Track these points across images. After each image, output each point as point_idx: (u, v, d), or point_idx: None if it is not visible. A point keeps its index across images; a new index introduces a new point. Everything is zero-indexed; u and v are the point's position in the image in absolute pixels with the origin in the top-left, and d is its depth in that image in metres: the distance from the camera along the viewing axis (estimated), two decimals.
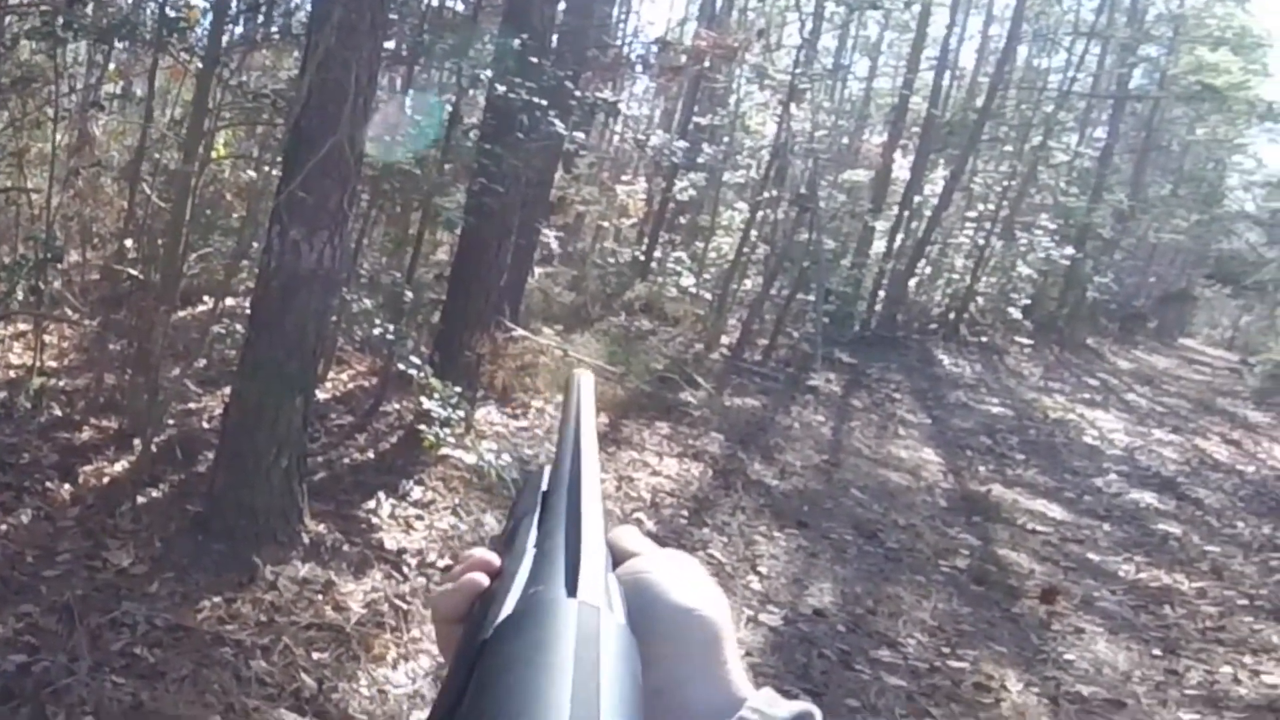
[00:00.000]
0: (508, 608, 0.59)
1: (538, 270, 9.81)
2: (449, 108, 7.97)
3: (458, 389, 6.67)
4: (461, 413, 6.60)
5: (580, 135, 9.18)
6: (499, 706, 0.53)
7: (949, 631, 7.04)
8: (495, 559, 0.69)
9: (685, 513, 7.89)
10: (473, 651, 0.57)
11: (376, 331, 6.74)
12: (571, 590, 0.59)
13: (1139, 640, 7.56)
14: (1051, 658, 6.96)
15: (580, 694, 0.52)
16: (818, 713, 0.63)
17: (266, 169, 6.84)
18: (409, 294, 7.36)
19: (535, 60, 7.41)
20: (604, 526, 0.69)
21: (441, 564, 5.78)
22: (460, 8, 9.65)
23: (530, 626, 0.56)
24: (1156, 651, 7.40)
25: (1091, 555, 9.58)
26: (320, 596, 5.18)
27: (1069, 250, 22.40)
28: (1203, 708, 6.53)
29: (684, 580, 0.68)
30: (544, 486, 0.75)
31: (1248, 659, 7.45)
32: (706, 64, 12.34)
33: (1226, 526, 11.65)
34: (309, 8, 6.73)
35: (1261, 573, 9.91)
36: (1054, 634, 7.39)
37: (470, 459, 6.49)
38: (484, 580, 0.67)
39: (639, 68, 10.77)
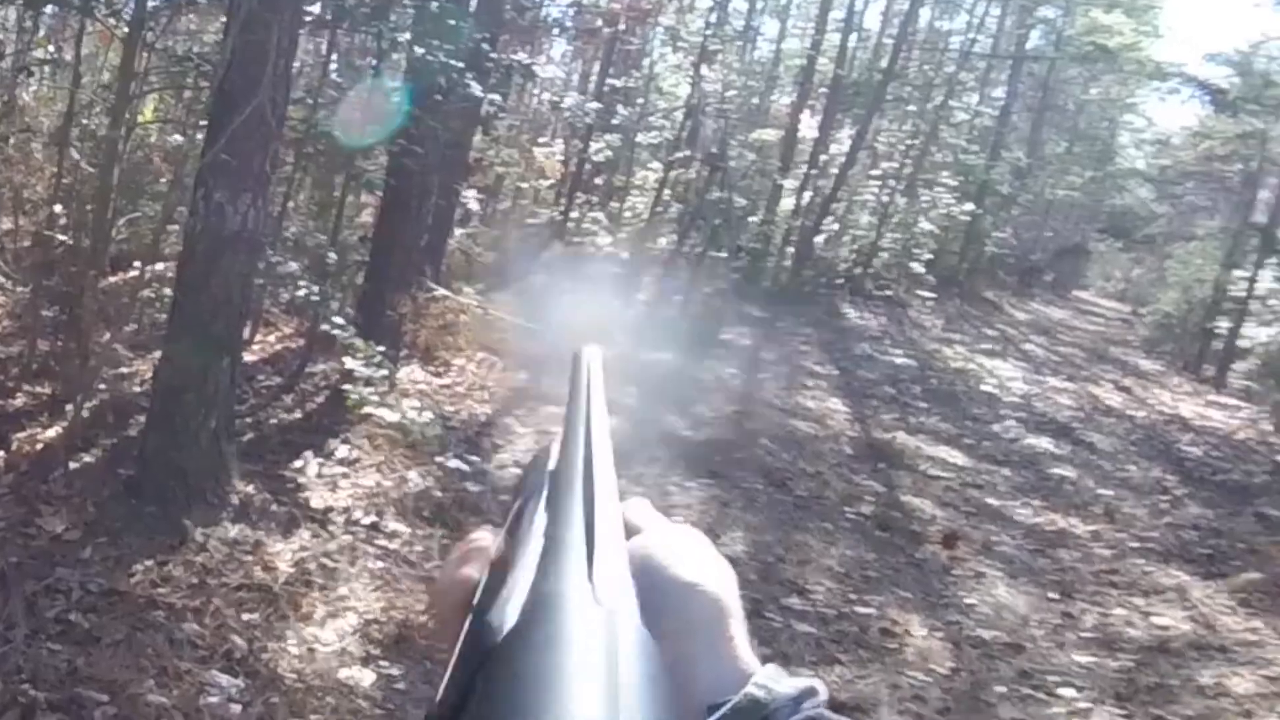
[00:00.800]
0: (516, 608, 0.54)
1: (458, 231, 9.77)
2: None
3: (380, 349, 6.65)
4: (384, 372, 6.59)
5: (497, 98, 9.13)
6: None
7: (855, 578, 7.18)
8: (504, 539, 0.67)
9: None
10: (478, 655, 0.53)
11: (301, 293, 6.72)
12: (591, 593, 0.54)
13: (1036, 584, 7.77)
14: (953, 602, 7.14)
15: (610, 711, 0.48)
16: (823, 688, 0.63)
17: (192, 133, 6.75)
18: (333, 256, 7.31)
19: (453, 23, 7.34)
20: (619, 510, 0.65)
21: (366, 521, 5.79)
22: None
23: (547, 640, 0.51)
24: (1053, 595, 7.61)
25: (991, 500, 9.79)
26: (249, 557, 5.19)
27: (969, 206, 22.60)
28: (1097, 650, 6.72)
29: (690, 556, 0.67)
30: (551, 465, 0.70)
31: (1139, 601, 7.69)
32: (621, 27, 12.33)
33: (1118, 470, 11.97)
34: None
35: (1152, 515, 10.19)
36: (955, 578, 7.58)
37: (393, 417, 6.49)
38: (485, 569, 0.64)
39: (556, 31, 10.75)
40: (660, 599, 0.61)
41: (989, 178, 24.16)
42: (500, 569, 0.61)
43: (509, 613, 0.53)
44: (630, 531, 0.67)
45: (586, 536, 0.58)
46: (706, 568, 0.67)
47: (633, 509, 0.71)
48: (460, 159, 8.69)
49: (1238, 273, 21.84)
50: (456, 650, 0.57)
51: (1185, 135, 28.63)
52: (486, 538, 0.68)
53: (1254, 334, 19.99)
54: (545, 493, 0.66)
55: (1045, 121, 30.80)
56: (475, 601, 0.61)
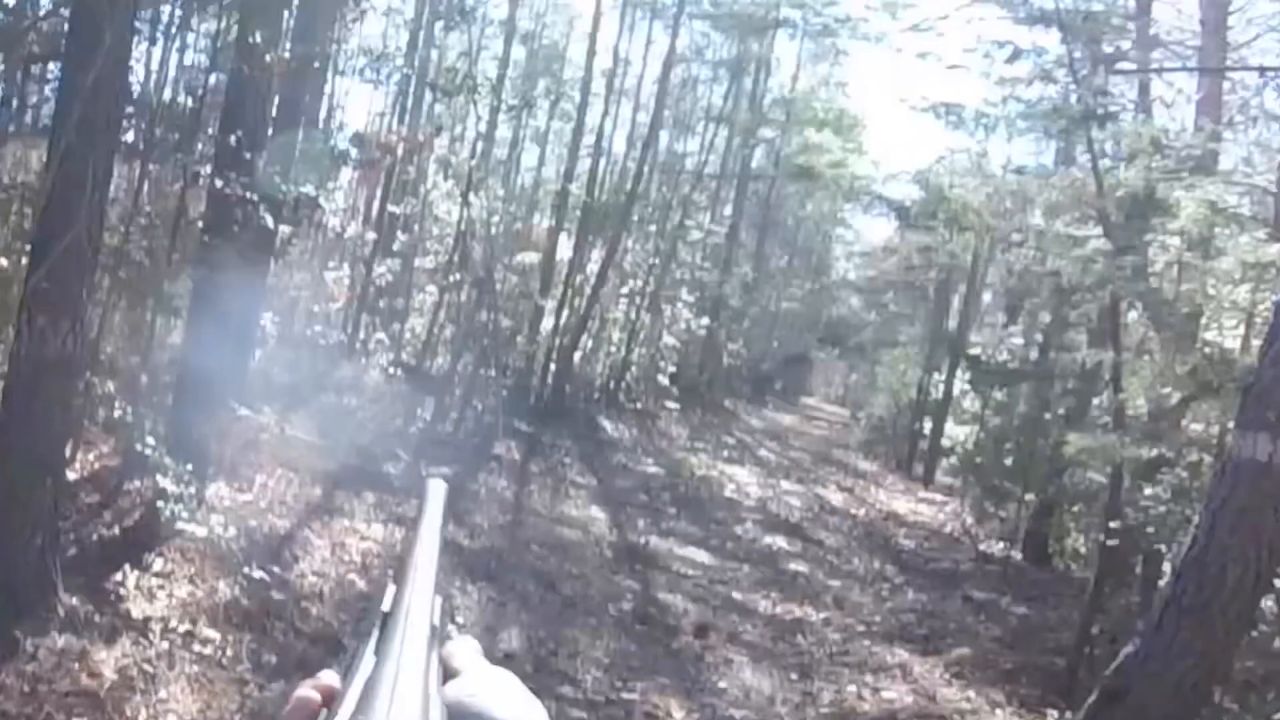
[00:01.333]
0: None
1: (258, 353, 9.87)
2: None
3: (189, 466, 6.83)
4: (193, 489, 6.76)
5: (287, 229, 9.32)
6: None
7: (620, 667, 7.51)
8: (335, 680, 0.66)
9: (391, 572, 8.08)
10: None
11: (117, 414, 6.82)
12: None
13: (779, 667, 8.20)
14: (707, 686, 7.53)
15: None
16: None
17: (16, 257, 6.82)
18: (144, 378, 7.43)
19: (249, 156, 7.57)
20: (432, 647, 0.67)
21: (182, 629, 5.90)
22: (190, 103, 9.73)
23: None
24: (794, 675, 8.07)
25: (735, 594, 10.24)
26: (76, 665, 5.24)
27: (705, 320, 23.36)
28: None
29: (507, 699, 0.69)
30: (385, 607, 0.71)
31: (868, 678, 8.20)
32: (399, 155, 12.66)
33: (844, 564, 12.58)
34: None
35: (875, 602, 10.78)
36: (708, 665, 7.97)
37: (202, 532, 6.64)
38: (315, 698, 0.64)
39: (342, 162, 11.00)
40: None
41: (722, 292, 24.74)
42: (331, 706, 0.63)
43: None
44: (454, 672, 0.70)
45: (399, 677, 0.60)
46: (524, 706, 0.69)
47: (457, 650, 0.73)
48: (259, 284, 8.85)
49: (937, 376, 22.63)
50: None
51: (885, 249, 29.68)
52: (324, 677, 0.67)
53: (954, 433, 20.57)
54: (375, 635, 0.68)
55: (769, 237, 31.50)
56: None
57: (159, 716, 5.11)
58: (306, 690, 0.65)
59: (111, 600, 5.98)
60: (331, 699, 0.64)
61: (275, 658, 6.03)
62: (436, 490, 0.88)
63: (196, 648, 5.81)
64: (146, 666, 5.44)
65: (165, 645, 5.71)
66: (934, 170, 17.61)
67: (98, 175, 5.78)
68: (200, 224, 8.12)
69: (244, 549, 6.90)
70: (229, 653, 5.88)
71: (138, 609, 5.98)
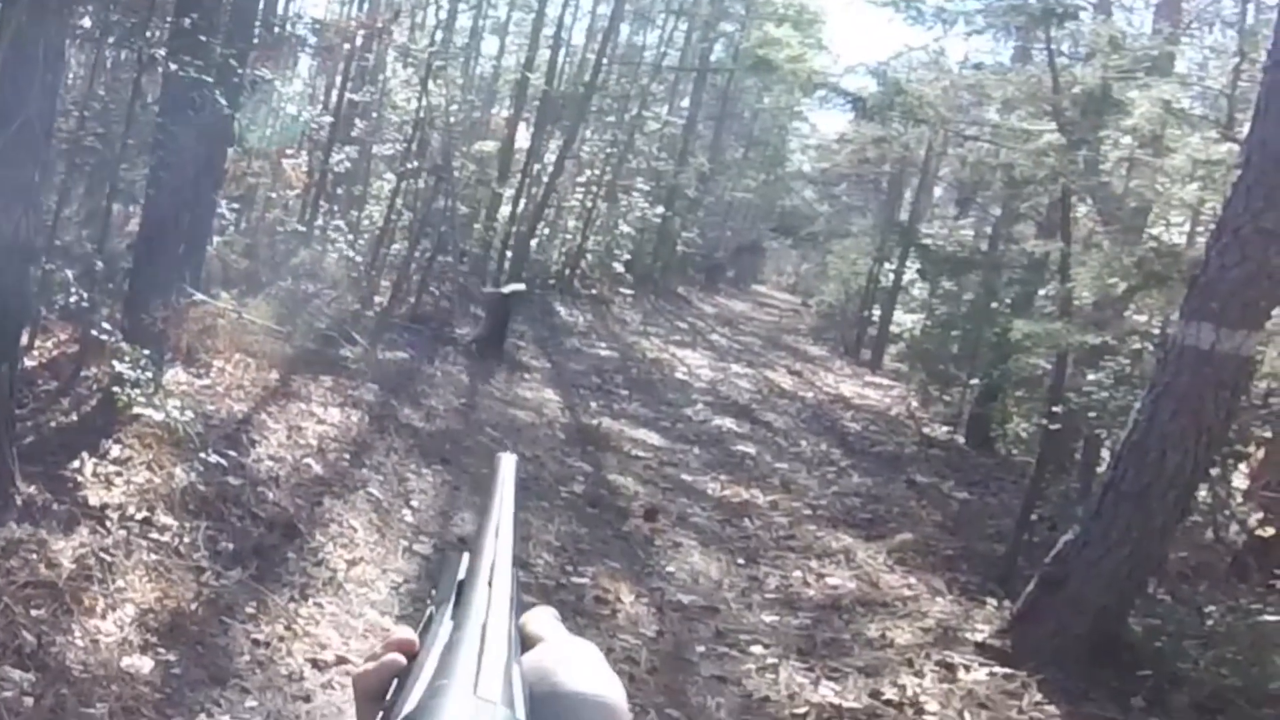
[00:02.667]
0: (413, 701, 0.57)
1: (215, 239, 9.61)
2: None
3: (146, 352, 6.60)
4: (150, 374, 6.55)
5: (242, 115, 9.05)
6: None
7: (571, 551, 7.43)
8: (415, 640, 0.66)
9: (347, 456, 7.97)
10: None
11: (73, 300, 6.61)
12: (474, 686, 0.56)
13: (726, 551, 8.13)
14: (656, 570, 7.45)
15: None
16: None
17: None
18: (100, 264, 7.20)
19: (205, 39, 7.27)
20: (512, 617, 0.67)
21: (139, 516, 5.74)
22: None
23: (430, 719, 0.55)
24: (740, 560, 7.99)
25: (685, 476, 10.18)
26: (34, 555, 5.06)
27: (661, 210, 23.27)
28: (781, 609, 7.12)
29: (585, 668, 0.67)
30: (460, 574, 0.71)
31: (814, 564, 8.12)
32: (358, 43, 12.31)
33: (792, 446, 12.53)
34: None
35: (821, 485, 10.73)
36: (657, 549, 7.88)
37: (159, 416, 6.43)
38: (401, 661, 0.65)
39: (300, 47, 10.67)
40: (556, 707, 0.63)
41: (677, 183, 24.69)
42: (411, 665, 0.63)
43: (408, 703, 0.57)
44: (532, 641, 0.69)
45: (480, 640, 0.61)
46: (601, 680, 0.66)
47: (535, 619, 0.72)
48: (216, 170, 8.58)
49: (887, 265, 22.64)
50: None
51: (840, 140, 29.62)
52: (404, 634, 0.67)
53: (901, 320, 20.67)
54: (452, 601, 0.69)
55: (725, 129, 31.56)
56: (389, 692, 0.63)
57: (117, 606, 4.93)
58: (392, 652, 0.65)
59: (69, 488, 5.80)
60: (413, 656, 0.64)
61: (232, 544, 5.87)
62: (508, 465, 0.88)
63: (154, 535, 5.63)
64: (104, 555, 5.26)
65: (123, 533, 5.52)
66: (891, 65, 17.50)
67: (49, 57, 5.51)
68: (156, 109, 7.80)
69: (201, 434, 6.68)
70: (186, 540, 5.71)
71: (95, 496, 5.80)
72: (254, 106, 9.46)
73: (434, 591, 0.75)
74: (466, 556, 0.73)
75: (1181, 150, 7.84)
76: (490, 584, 0.68)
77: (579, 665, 0.67)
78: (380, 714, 0.62)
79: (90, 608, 4.84)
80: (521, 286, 14.18)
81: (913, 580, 7.94)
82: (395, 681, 0.64)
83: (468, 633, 0.62)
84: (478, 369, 12.30)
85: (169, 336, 7.57)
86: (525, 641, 0.69)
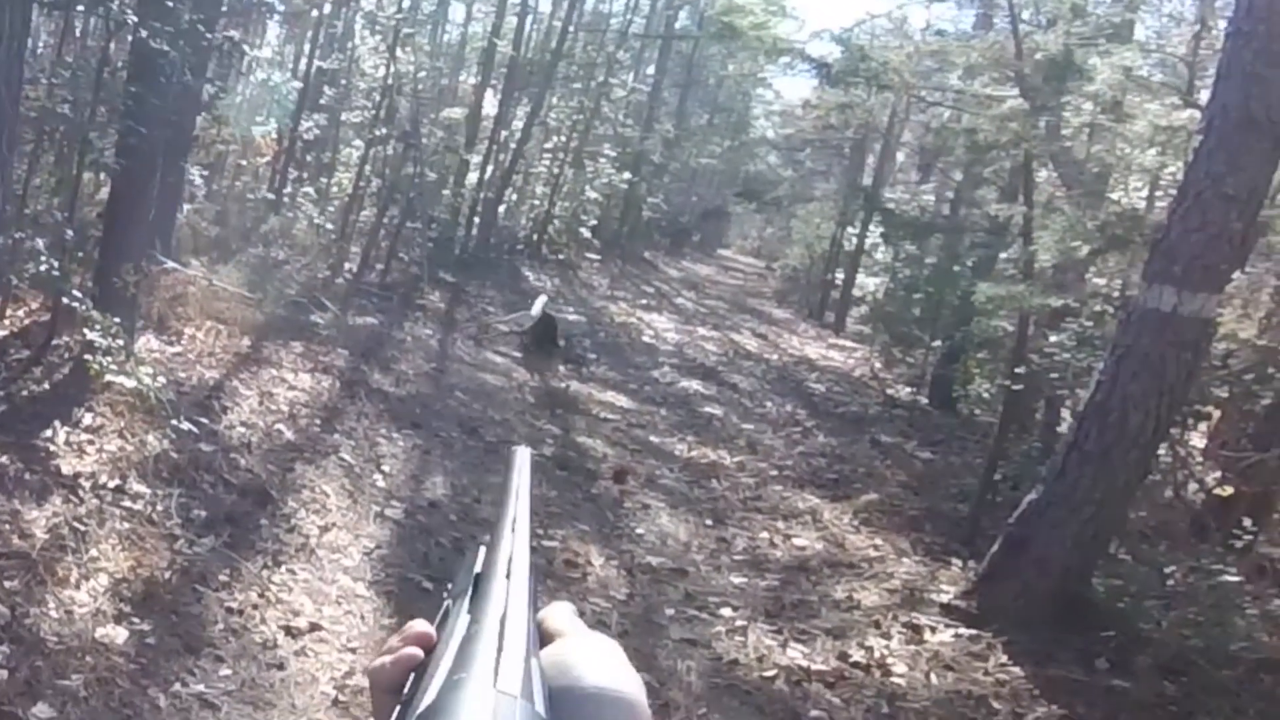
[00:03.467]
0: (431, 694, 0.56)
1: (185, 207, 9.46)
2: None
3: (117, 320, 6.48)
4: (121, 342, 6.42)
5: (211, 82, 8.90)
6: None
7: (541, 514, 7.19)
8: (432, 633, 0.65)
9: (319, 421, 7.90)
10: None
11: (44, 269, 6.48)
12: (493, 679, 0.55)
13: (694, 512, 8.09)
14: (625, 532, 7.40)
15: None
16: None
17: None
18: (70, 232, 7.05)
19: (173, 5, 7.09)
20: (531, 611, 0.65)
21: (112, 484, 5.66)
22: None
23: (450, 715, 0.53)
24: (709, 521, 7.96)
25: (653, 438, 10.14)
26: (8, 526, 5.01)
27: (627, 175, 23.11)
28: (748, 571, 7.10)
29: (605, 663, 0.65)
30: (478, 568, 0.70)
31: (780, 524, 8.10)
32: (326, 9, 12.14)
33: (758, 407, 12.51)
34: None
35: (787, 446, 10.72)
36: (626, 511, 7.84)
37: (131, 384, 6.34)
38: (419, 654, 0.64)
39: (268, 14, 10.49)
40: (576, 703, 0.61)
41: (643, 149, 24.50)
42: (428, 659, 0.63)
43: (426, 696, 0.56)
44: (550, 636, 0.67)
45: (499, 634, 0.60)
46: (621, 676, 0.64)
47: (553, 615, 0.70)
48: (185, 137, 8.43)
49: (850, 230, 22.54)
50: None
51: (804, 106, 29.56)
52: (421, 627, 0.66)
53: (864, 284, 20.64)
54: (469, 595, 0.67)
55: (690, 96, 31.44)
56: (407, 686, 0.63)
57: (90, 576, 4.87)
58: (409, 647, 0.64)
59: (41, 458, 5.72)
60: (430, 649, 0.63)
61: (205, 512, 5.79)
62: (522, 458, 0.86)
63: (126, 504, 5.56)
64: (77, 525, 5.20)
65: (95, 502, 5.46)
66: (855, 31, 17.41)
67: (15, 24, 5.42)
68: (125, 76, 7.65)
69: (173, 401, 6.60)
70: (159, 508, 5.64)
71: (68, 465, 5.72)
72: (225, 74, 9.29)
73: (450, 585, 0.74)
74: (483, 550, 0.72)
75: (1142, 116, 7.85)
76: (508, 577, 0.67)
77: (599, 661, 0.65)
78: (398, 708, 0.61)
79: (64, 578, 4.77)
80: (544, 299, 13.97)
81: (878, 541, 7.94)
82: (412, 675, 0.63)
83: (486, 626, 0.61)
84: (447, 333, 12.22)
85: (140, 304, 7.46)
86: (544, 636, 0.67)
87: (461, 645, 0.60)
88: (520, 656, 0.58)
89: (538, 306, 13.33)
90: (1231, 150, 5.75)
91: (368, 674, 0.67)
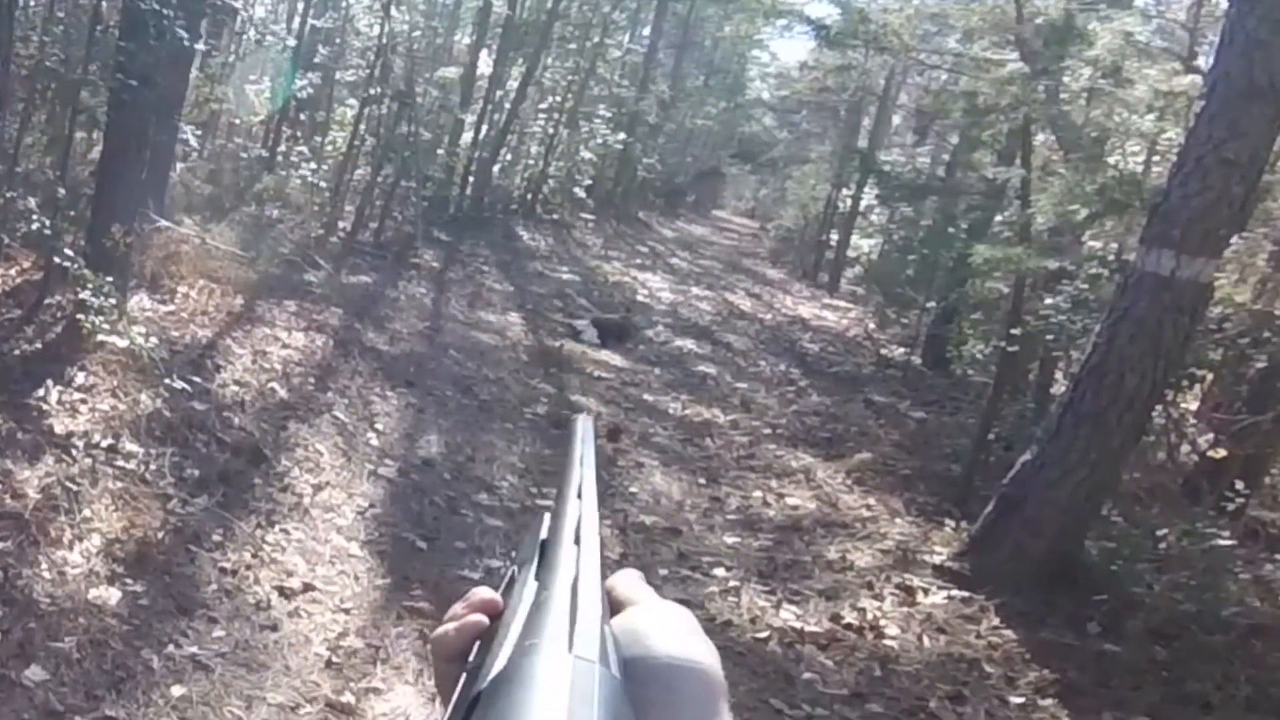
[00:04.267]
0: (502, 660, 0.54)
1: (179, 165, 9.34)
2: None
3: (109, 279, 6.38)
4: (113, 301, 6.33)
5: (209, 40, 8.76)
6: None
7: (535, 473, 7.28)
8: (498, 600, 0.64)
9: (312, 380, 7.83)
10: (467, 702, 0.53)
11: (35, 228, 6.38)
12: (568, 645, 0.53)
13: (688, 470, 8.03)
14: (619, 491, 7.29)
15: None
16: None
17: None
18: (62, 191, 6.94)
19: None
20: (601, 577, 0.64)
21: (105, 444, 5.59)
22: None
23: (525, 682, 0.51)
24: (702, 480, 7.89)
25: (647, 396, 10.09)
26: (0, 486, 4.97)
27: (622, 136, 23.03)
28: (742, 531, 7.04)
29: (680, 632, 0.62)
30: (543, 535, 0.68)
31: (774, 483, 8.05)
32: None
33: (751, 366, 12.47)
34: None
35: (781, 404, 10.67)
36: (620, 469, 7.74)
37: (123, 343, 6.26)
38: (484, 621, 0.62)
39: None
40: (649, 672, 0.58)
41: (638, 109, 24.35)
42: (493, 626, 0.62)
43: (498, 662, 0.54)
44: (621, 604, 0.65)
45: (571, 600, 0.58)
46: (696, 645, 0.61)
47: (622, 582, 0.67)
48: (178, 96, 8.30)
49: (845, 191, 22.49)
50: (455, 694, 0.58)
51: (801, 68, 29.54)
52: (486, 594, 0.65)
53: (859, 245, 20.80)
54: (536, 562, 0.66)
55: (686, 58, 31.26)
56: (471, 654, 0.61)
57: (83, 537, 4.80)
58: (474, 614, 0.63)
59: (34, 417, 5.63)
60: (497, 616, 0.62)
61: (198, 471, 5.72)
62: (585, 425, 0.83)
63: (119, 463, 5.48)
64: (70, 485, 5.12)
65: (88, 462, 5.37)
66: None
67: None
68: (116, 33, 7.50)
69: (166, 360, 6.52)
70: (152, 467, 5.56)
71: (60, 425, 5.64)
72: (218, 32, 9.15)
73: (514, 553, 0.72)
74: (548, 517, 0.71)
75: (1141, 82, 7.77)
76: (577, 543, 0.65)
77: (672, 629, 0.62)
78: (463, 676, 0.59)
79: (57, 539, 4.71)
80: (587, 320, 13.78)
81: (871, 501, 7.89)
82: (478, 643, 0.62)
83: (556, 592, 0.59)
84: (441, 292, 12.11)
85: (133, 263, 7.35)
86: (613, 605, 0.64)
87: (531, 612, 0.58)
88: (595, 622, 0.56)
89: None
90: (1233, 116, 5.68)
91: (430, 642, 0.66)
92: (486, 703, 0.52)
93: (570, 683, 0.50)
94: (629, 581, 0.67)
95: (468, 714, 0.52)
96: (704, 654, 0.61)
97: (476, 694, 0.53)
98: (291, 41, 11.91)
